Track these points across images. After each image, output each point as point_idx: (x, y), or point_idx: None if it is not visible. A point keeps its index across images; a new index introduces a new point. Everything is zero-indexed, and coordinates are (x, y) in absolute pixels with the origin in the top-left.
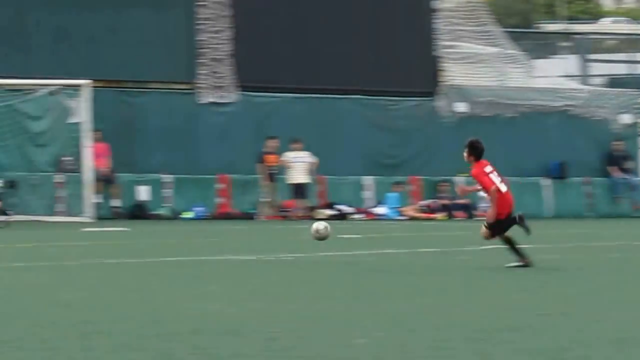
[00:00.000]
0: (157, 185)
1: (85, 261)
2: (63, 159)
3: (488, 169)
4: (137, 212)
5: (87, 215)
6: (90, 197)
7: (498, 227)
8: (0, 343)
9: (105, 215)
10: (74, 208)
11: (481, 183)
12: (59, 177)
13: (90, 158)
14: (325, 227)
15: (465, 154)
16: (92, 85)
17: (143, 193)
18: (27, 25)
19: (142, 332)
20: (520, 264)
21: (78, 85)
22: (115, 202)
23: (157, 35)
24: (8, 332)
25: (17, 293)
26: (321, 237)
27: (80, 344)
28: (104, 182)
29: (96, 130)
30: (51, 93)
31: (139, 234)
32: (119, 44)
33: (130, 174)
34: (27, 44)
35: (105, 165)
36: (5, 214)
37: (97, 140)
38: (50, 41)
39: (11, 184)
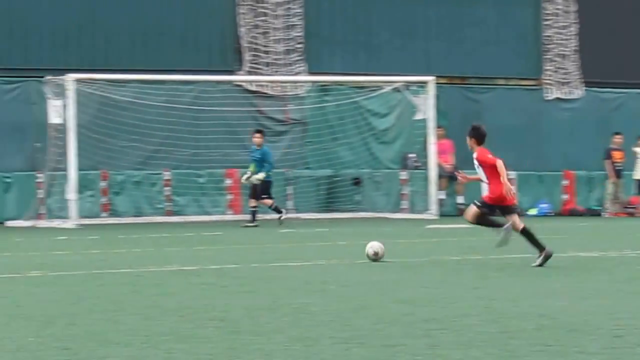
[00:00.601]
0: None
1: (429, 258)
2: (408, 155)
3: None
4: None
5: (432, 212)
6: (435, 194)
7: (489, 210)
8: (343, 340)
9: (449, 212)
10: (418, 205)
11: (485, 162)
12: (403, 174)
13: (435, 155)
14: (380, 247)
15: (467, 139)
16: (436, 81)
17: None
18: (372, 22)
19: (486, 329)
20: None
21: (424, 82)
22: (460, 199)
23: (504, 31)
24: (351, 327)
25: (363, 290)
26: (376, 259)
27: (423, 341)
28: (449, 178)
29: (440, 126)
30: (396, 90)
31: (480, 230)
32: (464, 40)
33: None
34: (372, 41)
35: (450, 162)
36: (280, 212)
37: (441, 137)
38: (395, 38)
39: (356, 181)
